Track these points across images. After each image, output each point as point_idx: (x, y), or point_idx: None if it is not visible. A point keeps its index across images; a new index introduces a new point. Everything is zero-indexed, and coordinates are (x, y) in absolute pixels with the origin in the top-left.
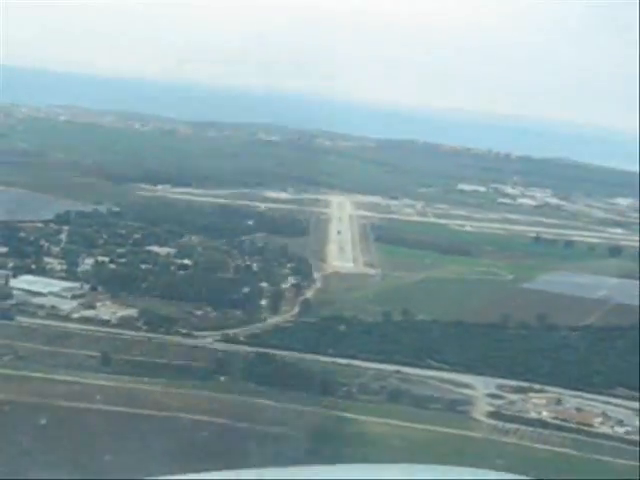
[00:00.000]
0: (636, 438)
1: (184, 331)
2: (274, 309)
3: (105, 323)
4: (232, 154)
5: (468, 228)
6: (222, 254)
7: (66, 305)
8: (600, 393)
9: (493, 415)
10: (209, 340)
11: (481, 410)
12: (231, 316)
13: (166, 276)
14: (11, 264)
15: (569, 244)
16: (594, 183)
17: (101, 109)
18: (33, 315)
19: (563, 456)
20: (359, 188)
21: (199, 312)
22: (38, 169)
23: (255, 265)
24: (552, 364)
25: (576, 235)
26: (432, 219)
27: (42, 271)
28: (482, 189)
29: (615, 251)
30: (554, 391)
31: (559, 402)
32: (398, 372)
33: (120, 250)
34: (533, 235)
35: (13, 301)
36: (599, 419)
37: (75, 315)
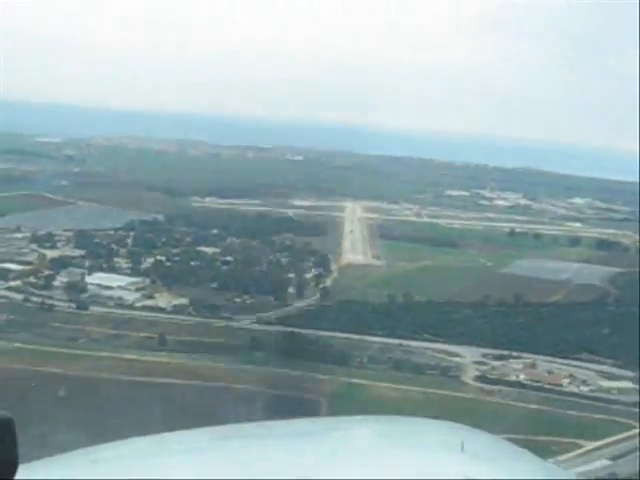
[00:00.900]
0: (598, 395)
1: (226, 315)
2: (299, 295)
3: (162, 310)
4: (265, 171)
5: (455, 225)
6: (257, 252)
7: (130, 296)
8: (567, 358)
9: (479, 378)
10: (246, 322)
11: (469, 375)
12: (264, 302)
13: (212, 271)
14: (87, 264)
15: (537, 236)
16: (556, 187)
17: (161, 138)
18: (103, 305)
19: (537, 411)
20: (367, 195)
21: (238, 299)
22: (110, 187)
23: (283, 260)
24: (527, 335)
25: (542, 229)
26: (426, 219)
27: (112, 269)
28: (466, 194)
29: (574, 241)
30: (529, 357)
31: (534, 366)
32: (401, 345)
33: (175, 250)
34: (507, 230)
35: (87, 294)
36: (567, 380)
37: (138, 304)
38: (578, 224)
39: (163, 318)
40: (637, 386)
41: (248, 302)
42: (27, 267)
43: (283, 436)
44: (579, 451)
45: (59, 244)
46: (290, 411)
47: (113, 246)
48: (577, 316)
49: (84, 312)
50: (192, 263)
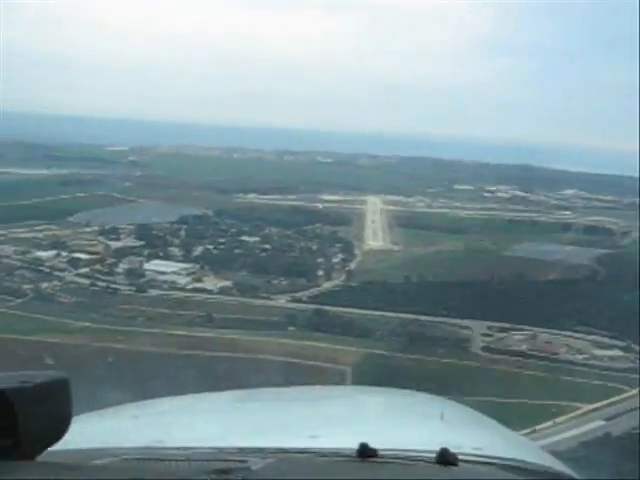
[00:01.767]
0: (591, 362)
1: (264, 295)
2: (327, 277)
3: (209, 292)
4: (300, 171)
5: (462, 215)
6: (291, 240)
7: (182, 280)
8: (564, 329)
9: (485, 349)
10: (282, 301)
11: (477, 345)
12: (297, 283)
13: (252, 257)
14: (146, 253)
15: (534, 223)
16: (548, 180)
17: (210, 146)
18: (159, 288)
19: (537, 377)
20: (386, 190)
21: (275, 281)
22: (168, 188)
23: (314, 247)
24: (527, 309)
25: (537, 217)
26: (437, 210)
27: (167, 257)
28: (471, 188)
29: (566, 227)
30: (530, 329)
31: (534, 337)
32: (416, 320)
33: (221, 240)
34: (508, 218)
35: (145, 279)
36: (564, 349)
37: (188, 287)
38: (568, 212)
39: (210, 298)
40: (626, 354)
41: (283, 283)
42: (94, 256)
43: (269, 401)
44: (577, 412)
45: (122, 236)
46: (318, 378)
47: (168, 237)
48: (571, 291)
49: (142, 295)
50: (235, 251)
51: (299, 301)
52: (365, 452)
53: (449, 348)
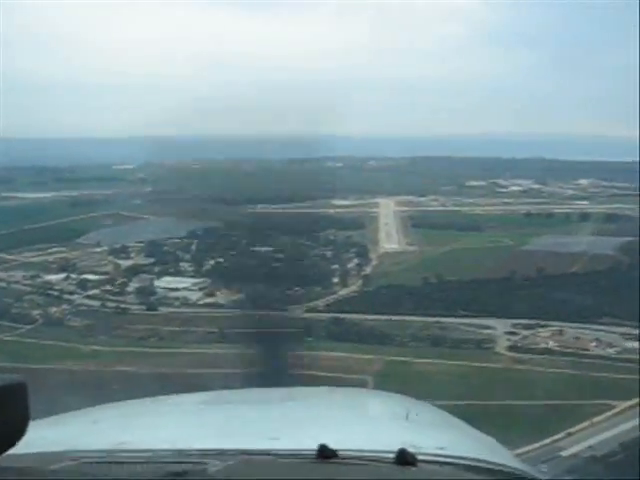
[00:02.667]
0: (624, 356)
1: (278, 306)
2: (343, 284)
3: (221, 306)
4: (310, 178)
5: (477, 211)
6: (304, 247)
7: (194, 296)
8: (591, 323)
9: (511, 348)
10: (298, 312)
11: (501, 345)
12: (313, 292)
13: (265, 268)
14: (156, 270)
15: (550, 215)
16: (562, 171)
17: (218, 158)
18: (170, 305)
19: (568, 375)
20: (398, 191)
21: (289, 292)
22: (177, 202)
23: (328, 253)
24: (551, 304)
25: (554, 208)
26: (450, 207)
27: (178, 273)
28: (484, 183)
29: (584, 217)
30: (556, 325)
31: (561, 333)
32: (437, 322)
33: (232, 252)
34: (523, 212)
35: (157, 296)
36: (594, 344)
37: (200, 302)
38: (585, 202)
39: (222, 313)
40: None
41: (298, 293)
42: (103, 277)
43: (232, 403)
44: (612, 412)
45: (132, 254)
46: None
47: (178, 253)
48: (595, 283)
49: (153, 312)
50: (248, 262)
51: (315, 311)
52: (324, 453)
53: (473, 350)
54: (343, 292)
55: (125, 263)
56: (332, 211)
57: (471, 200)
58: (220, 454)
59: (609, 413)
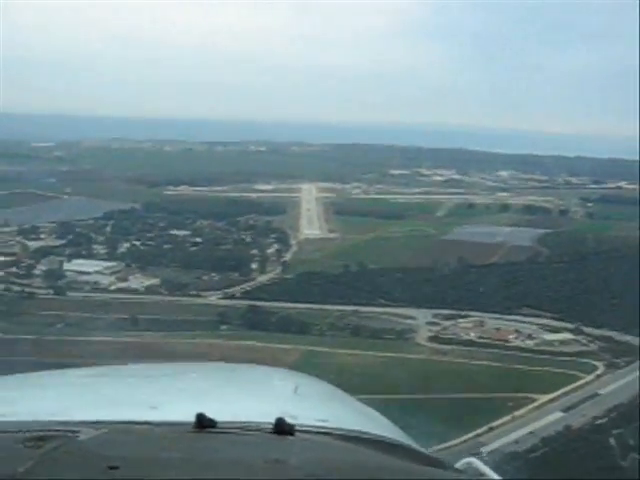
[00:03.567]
0: (542, 348)
1: (194, 293)
2: (262, 270)
3: (135, 291)
4: (232, 162)
5: (399, 200)
6: (224, 232)
7: (106, 280)
8: (511, 314)
9: (432, 339)
10: (213, 298)
11: (422, 336)
12: (230, 278)
13: (182, 252)
14: (67, 252)
15: (471, 206)
16: (483, 163)
17: (142, 139)
18: (80, 290)
19: (489, 368)
20: (320, 178)
21: (206, 277)
22: (94, 182)
23: (248, 238)
24: (472, 294)
25: (475, 199)
26: (373, 195)
27: (90, 256)
28: (406, 172)
29: (504, 208)
30: (477, 315)
31: (482, 324)
32: (357, 311)
33: (149, 234)
34: (445, 201)
35: (65, 280)
36: (513, 335)
37: (112, 287)
38: (505, 193)
39: (135, 299)
40: (576, 336)
41: (215, 279)
42: (9, 258)
43: (118, 377)
44: (533, 405)
45: (42, 235)
46: None
47: (92, 234)
48: (514, 274)
49: (61, 298)
50: (164, 246)
51: (231, 298)
52: (202, 422)
53: (394, 340)
54: (262, 278)
55: (34, 244)
56: (254, 195)
57: (394, 188)
58: (95, 423)
59: (530, 407)
